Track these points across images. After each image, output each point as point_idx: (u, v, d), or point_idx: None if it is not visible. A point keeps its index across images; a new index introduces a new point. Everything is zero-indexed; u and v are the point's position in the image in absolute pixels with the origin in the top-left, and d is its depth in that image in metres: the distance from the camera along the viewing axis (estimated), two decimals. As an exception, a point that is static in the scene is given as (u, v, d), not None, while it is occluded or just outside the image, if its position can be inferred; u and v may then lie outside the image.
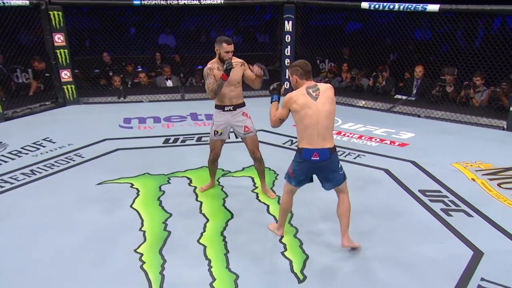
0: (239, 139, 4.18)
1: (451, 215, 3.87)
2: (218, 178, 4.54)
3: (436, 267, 3.20)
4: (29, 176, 4.69)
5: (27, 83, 7.58)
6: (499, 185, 4.41)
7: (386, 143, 5.58)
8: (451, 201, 4.12)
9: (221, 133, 3.98)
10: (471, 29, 6.44)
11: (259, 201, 4.18)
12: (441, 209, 3.97)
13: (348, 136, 5.78)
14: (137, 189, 4.40)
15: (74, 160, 5.09)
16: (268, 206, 4.08)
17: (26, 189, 4.43)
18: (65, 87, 7.16)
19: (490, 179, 4.53)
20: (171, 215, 3.92)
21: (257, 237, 3.59)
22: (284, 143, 5.53)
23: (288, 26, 7.33)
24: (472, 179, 4.56)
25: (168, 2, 7.01)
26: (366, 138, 5.73)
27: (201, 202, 4.15)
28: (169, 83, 8.19)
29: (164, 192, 4.34)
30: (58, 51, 6.93)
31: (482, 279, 3.04)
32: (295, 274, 3.13)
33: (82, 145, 5.51)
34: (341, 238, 3.30)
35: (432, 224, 3.76)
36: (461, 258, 3.28)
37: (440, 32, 7.69)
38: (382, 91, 7.38)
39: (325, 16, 9.01)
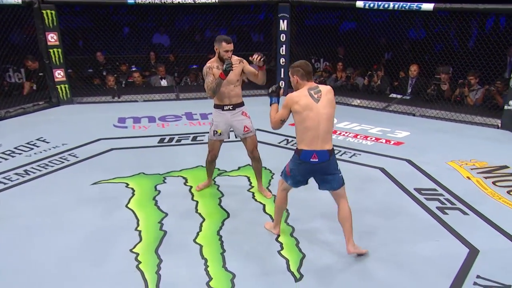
0: (235, 139, 4.16)
1: (446, 213, 3.88)
2: (214, 178, 4.52)
3: (432, 265, 3.21)
4: (23, 176, 4.64)
5: (19, 83, 7.51)
6: (494, 183, 4.43)
7: (382, 142, 5.59)
8: (447, 199, 4.13)
9: (220, 133, 3.96)
10: (465, 28, 6.46)
11: (255, 200, 4.17)
12: (437, 207, 3.99)
13: (343, 135, 5.79)
14: (132, 189, 4.37)
15: (68, 160, 5.05)
16: (264, 205, 4.07)
17: (20, 190, 4.39)
18: (58, 86, 7.10)
19: (485, 177, 4.55)
20: (167, 214, 3.90)
21: (254, 236, 3.58)
22: (279, 142, 5.53)
23: (283, 25, 7.33)
24: (467, 177, 4.58)
25: (163, 0, 6.98)
26: (362, 137, 5.74)
27: (197, 202, 4.13)
28: (164, 83, 8.15)
29: (159, 191, 4.32)
30: (51, 50, 6.87)
31: (478, 277, 3.05)
32: (292, 273, 3.12)
33: (76, 145, 5.46)
34: (346, 244, 3.24)
35: (427, 222, 3.77)
36: (457, 256, 3.29)
37: (435, 31, 7.73)
38: (377, 90, 7.39)
39: (320, 16, 9.02)
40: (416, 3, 6.03)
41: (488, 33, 7.98)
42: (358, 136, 5.76)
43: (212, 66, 3.80)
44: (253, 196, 4.24)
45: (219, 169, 4.65)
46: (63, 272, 3.16)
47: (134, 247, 3.42)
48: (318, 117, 3.04)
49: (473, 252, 3.33)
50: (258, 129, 4.11)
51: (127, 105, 7.30)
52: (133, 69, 8.18)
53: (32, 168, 4.85)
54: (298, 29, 7.72)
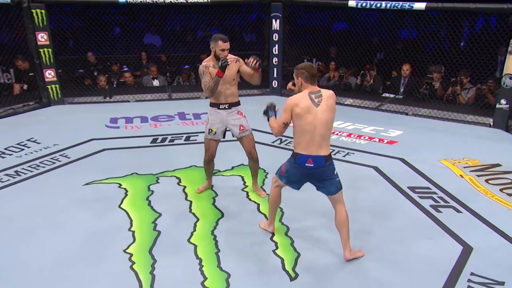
0: (230, 138, 4.14)
1: (440, 211, 3.90)
2: (208, 177, 4.50)
3: (426, 262, 3.21)
4: (14, 177, 4.58)
5: (9, 83, 7.41)
6: (486, 181, 4.46)
7: (375, 141, 5.60)
8: (440, 198, 4.15)
9: (215, 132, 3.93)
10: (457, 27, 6.51)
11: (250, 200, 4.16)
12: (431, 206, 4.00)
13: (337, 134, 5.79)
14: (125, 189, 4.33)
15: (60, 161, 5.00)
16: (258, 204, 4.05)
17: (11, 191, 4.33)
18: (49, 87, 7.03)
19: (478, 175, 4.57)
20: (160, 214, 3.87)
21: (248, 236, 3.56)
22: (273, 142, 5.52)
23: (276, 24, 7.32)
24: (460, 175, 4.60)
25: (154, 0, 6.93)
26: (355, 136, 5.75)
27: (191, 202, 4.10)
28: (156, 83, 8.11)
29: (153, 192, 4.29)
30: (41, 50, 6.80)
31: (472, 274, 3.07)
32: (287, 272, 3.11)
33: (68, 145, 5.40)
34: (343, 250, 3.22)
35: (421, 221, 3.79)
36: (451, 253, 3.31)
37: (426, 31, 7.77)
38: (370, 90, 7.42)
39: (312, 15, 9.04)
40: (408, 2, 6.06)
41: (480, 32, 8.05)
42: (352, 135, 5.77)
43: (208, 65, 3.78)
44: (247, 196, 4.22)
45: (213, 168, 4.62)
46: (57, 273, 3.12)
47: (128, 247, 3.38)
48: (315, 121, 3.02)
49: (467, 250, 3.34)
50: (252, 129, 4.09)
51: (119, 105, 7.24)
52: (125, 69, 8.13)
53: (23, 169, 4.78)
54: (291, 29, 7.73)
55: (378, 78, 7.51)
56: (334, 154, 5.09)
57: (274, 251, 3.35)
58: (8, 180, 4.52)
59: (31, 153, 5.20)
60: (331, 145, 5.21)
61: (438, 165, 4.84)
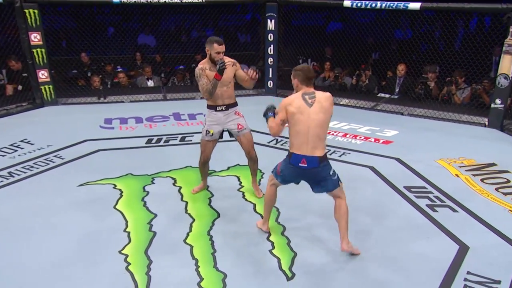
0: (226, 139, 4.12)
1: (436, 211, 3.90)
2: (204, 178, 4.48)
3: (423, 262, 3.21)
4: (7, 179, 4.53)
5: (1, 84, 7.34)
6: (482, 180, 4.47)
7: (371, 141, 5.60)
8: (436, 197, 4.15)
9: (212, 133, 3.91)
10: (451, 27, 6.54)
11: (246, 200, 4.14)
12: (427, 205, 4.01)
13: (332, 134, 5.78)
14: (120, 190, 4.30)
15: (54, 162, 4.95)
16: (254, 205, 4.04)
17: (5, 192, 4.28)
18: (42, 87, 6.96)
19: (474, 175, 4.58)
20: (156, 215, 3.84)
21: (245, 236, 3.55)
22: (269, 142, 5.50)
23: (271, 24, 7.31)
24: (456, 175, 4.61)
25: (149, 0, 6.90)
26: (351, 136, 5.75)
27: (187, 202, 4.08)
28: (150, 83, 8.07)
29: (148, 192, 4.26)
30: (34, 50, 6.73)
31: (468, 273, 3.08)
32: (284, 272, 3.10)
33: (62, 146, 5.35)
34: (340, 242, 3.22)
35: (418, 220, 3.79)
36: (447, 252, 3.31)
37: (421, 31, 7.80)
38: (365, 90, 7.42)
39: (306, 16, 9.04)
40: (403, 2, 6.07)
41: (474, 32, 8.09)
42: (347, 135, 5.77)
43: (205, 68, 3.76)
44: (244, 196, 4.20)
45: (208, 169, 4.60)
46: (52, 274, 3.09)
47: (123, 248, 3.35)
48: (308, 122, 3.03)
49: (463, 249, 3.35)
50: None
51: (113, 105, 7.20)
52: (119, 69, 8.08)
53: (17, 170, 4.73)
54: (286, 29, 7.72)
55: (374, 78, 7.52)
56: (330, 154, 5.08)
57: (270, 251, 3.34)
58: (2, 181, 4.47)
59: (25, 154, 5.15)
60: (327, 145, 5.24)
61: (434, 165, 4.84)
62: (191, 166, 4.76)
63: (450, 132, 5.95)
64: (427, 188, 4.32)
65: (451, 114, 6.35)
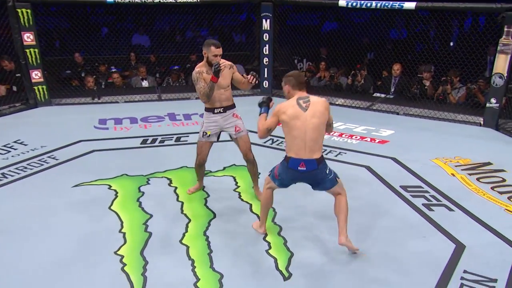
0: (222, 139, 4.09)
1: (432, 210, 3.90)
2: (200, 178, 4.45)
3: (420, 261, 3.21)
4: (1, 180, 4.48)
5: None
6: (478, 179, 4.48)
7: (367, 141, 5.60)
8: (432, 196, 4.15)
9: (209, 134, 3.89)
10: (447, 27, 6.56)
11: (242, 200, 4.12)
12: (423, 204, 4.00)
13: (328, 134, 5.77)
14: (115, 190, 4.26)
15: (48, 163, 4.90)
16: (251, 205, 4.02)
17: (-2, 193, 4.24)
18: (36, 88, 6.89)
19: (469, 174, 4.59)
20: (151, 216, 3.81)
21: (241, 236, 3.53)
22: (265, 142, 5.47)
23: (266, 24, 7.29)
24: (452, 174, 4.61)
25: (143, 0, 6.86)
26: (347, 136, 5.74)
27: (182, 203, 4.05)
28: (145, 84, 8.03)
29: (143, 193, 4.22)
30: (27, 50, 6.67)
31: (465, 271, 3.08)
32: (280, 272, 3.08)
33: (56, 147, 5.30)
34: (338, 235, 3.21)
35: (414, 219, 3.78)
36: (444, 251, 3.31)
37: (416, 30, 7.82)
38: (360, 89, 7.43)
39: (301, 16, 9.05)
40: (398, 2, 6.07)
41: (469, 32, 8.11)
42: (343, 135, 5.76)
43: (202, 71, 3.74)
44: (240, 196, 4.18)
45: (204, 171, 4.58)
46: (46, 276, 3.06)
47: (119, 249, 3.32)
48: (305, 126, 3.03)
49: (460, 248, 3.35)
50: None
51: (107, 106, 7.15)
52: (113, 70, 8.03)
53: (10, 171, 4.68)
54: (281, 29, 7.71)
55: (369, 78, 7.53)
56: (326, 154, 5.07)
57: (267, 251, 3.32)
58: (-5, 182, 4.43)
59: (18, 155, 5.09)
60: (323, 145, 5.24)
61: (430, 164, 4.84)
62: (186, 167, 4.74)
63: (446, 131, 5.96)
64: (423, 188, 4.32)
65: (447, 114, 6.36)
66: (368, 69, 7.65)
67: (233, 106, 3.94)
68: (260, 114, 3.31)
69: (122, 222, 3.71)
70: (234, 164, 4.75)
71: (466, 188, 4.32)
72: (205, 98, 3.72)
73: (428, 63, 6.89)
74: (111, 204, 4.00)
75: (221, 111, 3.85)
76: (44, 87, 6.96)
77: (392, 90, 7.23)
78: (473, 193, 4.22)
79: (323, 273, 3.09)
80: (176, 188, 4.32)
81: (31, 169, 4.74)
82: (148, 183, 4.42)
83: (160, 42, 8.53)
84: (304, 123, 3.03)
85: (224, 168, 4.74)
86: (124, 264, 3.14)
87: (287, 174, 3.17)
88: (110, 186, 4.35)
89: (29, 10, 6.52)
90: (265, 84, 7.64)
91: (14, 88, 7.09)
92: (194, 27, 9.89)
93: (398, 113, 6.70)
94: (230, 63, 3.85)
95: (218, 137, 3.99)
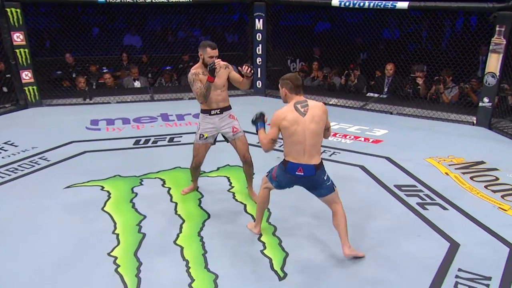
0: (217, 140, 4.07)
1: (426, 209, 3.91)
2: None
3: (414, 259, 3.21)
4: (-9, 181, 4.43)
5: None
6: (471, 178, 4.49)
7: (361, 140, 5.60)
8: (426, 195, 4.16)
9: (206, 137, 3.86)
10: (439, 27, 6.59)
11: (236, 200, 4.10)
12: (417, 203, 4.01)
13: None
14: (108, 191, 4.22)
15: (39, 164, 4.84)
16: (245, 205, 4.00)
17: (-12, 195, 4.18)
18: (26, 88, 6.81)
19: (463, 173, 4.61)
20: (145, 217, 3.78)
21: (236, 236, 3.51)
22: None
23: (259, 24, 7.28)
24: (446, 173, 4.63)
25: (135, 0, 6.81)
26: (341, 136, 5.74)
27: (176, 203, 4.02)
28: (137, 84, 7.97)
29: (136, 194, 4.19)
30: (17, 50, 6.58)
31: (459, 270, 3.09)
32: (276, 272, 3.07)
33: (47, 148, 5.24)
34: (342, 247, 3.18)
35: (408, 218, 3.79)
36: (438, 250, 3.32)
37: (409, 30, 7.84)
38: (354, 89, 7.44)
39: (294, 16, 9.04)
40: (391, 1, 6.09)
41: (461, 31, 8.16)
42: (337, 135, 5.76)
43: (198, 73, 3.71)
44: (234, 197, 4.16)
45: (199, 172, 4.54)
46: (39, 278, 3.02)
47: (112, 250, 3.29)
48: (304, 131, 3.01)
49: (454, 246, 3.36)
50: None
51: (99, 107, 7.08)
52: (104, 70, 7.97)
53: (1, 172, 4.62)
54: (274, 29, 7.70)
55: (362, 77, 7.54)
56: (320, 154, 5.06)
57: (262, 251, 3.30)
58: (-15, 184, 4.36)
59: (9, 156, 5.03)
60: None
61: (424, 163, 4.86)
62: (180, 167, 4.71)
63: (439, 131, 5.98)
64: (417, 187, 4.33)
65: (440, 113, 6.39)
66: (361, 69, 7.66)
67: (229, 107, 3.91)
68: (257, 130, 3.24)
69: (115, 223, 3.67)
70: (228, 165, 4.73)
71: (460, 187, 4.33)
72: (202, 99, 3.69)
73: (421, 62, 6.91)
74: (104, 205, 3.96)
75: (218, 112, 3.82)
76: (35, 87, 6.89)
77: (386, 90, 7.25)
78: (467, 191, 4.23)
79: (318, 273, 3.08)
80: (169, 188, 4.29)
81: (22, 170, 4.68)
82: (142, 184, 4.39)
83: (152, 42, 8.48)
84: (304, 129, 3.01)
85: (218, 168, 4.71)
86: (118, 266, 3.11)
87: (285, 178, 3.15)
88: (103, 187, 4.30)
89: (18, 10, 6.44)
90: (258, 84, 7.62)
91: (5, 89, 7.00)
92: (186, 27, 9.85)
93: (391, 113, 6.72)
94: (225, 63, 3.82)
95: (215, 140, 3.96)
